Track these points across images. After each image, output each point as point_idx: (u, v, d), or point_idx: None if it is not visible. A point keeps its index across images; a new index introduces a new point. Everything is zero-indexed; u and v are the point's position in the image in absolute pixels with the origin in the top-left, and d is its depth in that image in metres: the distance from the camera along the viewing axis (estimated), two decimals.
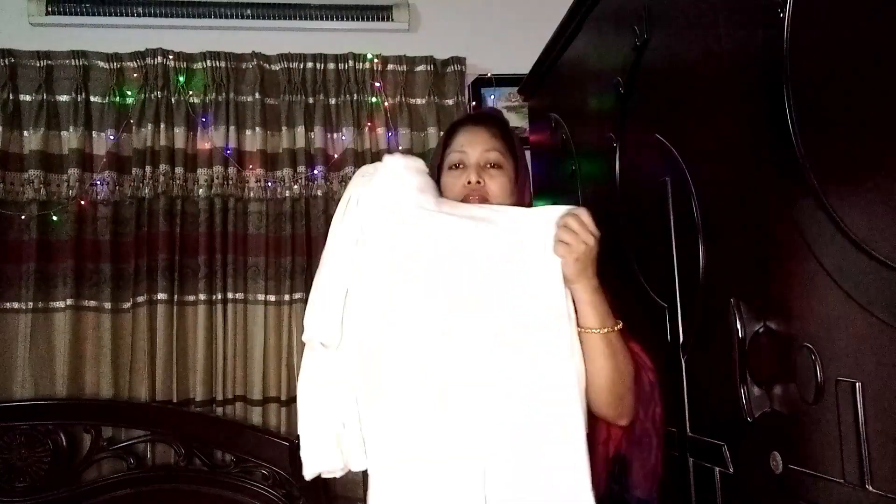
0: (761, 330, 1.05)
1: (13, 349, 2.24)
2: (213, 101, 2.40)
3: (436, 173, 1.29)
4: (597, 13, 1.75)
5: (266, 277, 2.34)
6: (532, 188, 1.35)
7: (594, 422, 1.15)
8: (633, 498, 1.21)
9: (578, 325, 1.10)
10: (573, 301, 1.11)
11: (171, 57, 2.39)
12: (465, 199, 1.21)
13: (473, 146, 1.24)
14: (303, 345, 1.14)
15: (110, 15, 2.46)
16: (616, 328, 1.11)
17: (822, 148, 0.91)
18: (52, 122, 2.35)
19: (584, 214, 1.10)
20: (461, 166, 1.24)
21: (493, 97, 2.63)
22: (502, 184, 1.23)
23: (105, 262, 2.30)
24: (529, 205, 1.29)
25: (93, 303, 2.29)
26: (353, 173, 2.35)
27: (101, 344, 2.28)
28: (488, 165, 1.23)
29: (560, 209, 1.12)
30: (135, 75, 2.40)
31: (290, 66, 2.45)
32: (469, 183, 1.21)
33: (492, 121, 1.31)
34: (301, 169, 2.40)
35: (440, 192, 1.24)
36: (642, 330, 1.48)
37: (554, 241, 1.09)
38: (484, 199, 1.21)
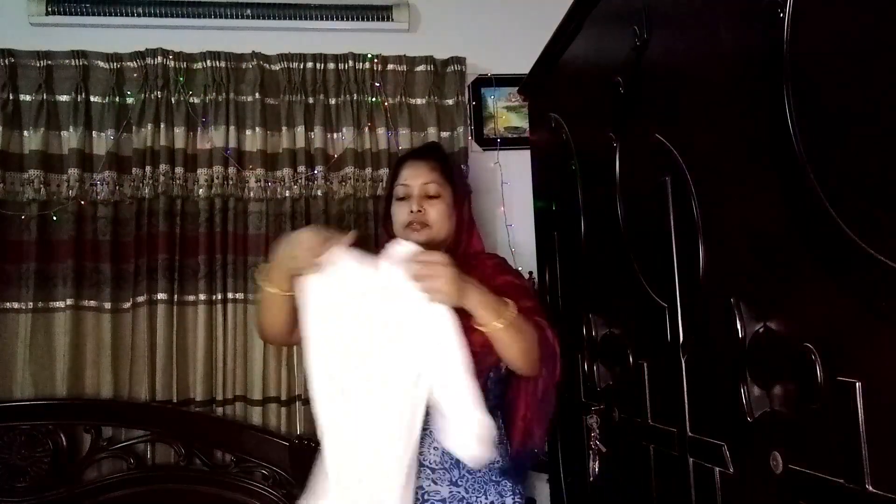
0: (761, 330, 1.05)
1: (13, 349, 2.24)
2: (213, 101, 2.40)
3: (385, 203, 1.59)
4: (597, 13, 1.75)
5: None
6: (470, 203, 1.63)
7: (516, 386, 1.48)
8: (525, 452, 1.45)
9: (480, 325, 1.27)
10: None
11: (171, 57, 2.39)
12: (408, 225, 1.49)
13: (415, 179, 1.52)
14: None
15: (110, 15, 2.45)
16: (513, 312, 1.28)
17: (822, 148, 0.91)
18: (52, 122, 2.35)
19: (423, 255, 1.25)
20: (406, 197, 1.51)
21: (493, 97, 2.62)
22: (440, 210, 1.51)
23: (105, 262, 2.30)
24: (469, 221, 1.60)
25: (93, 303, 2.29)
26: (353, 173, 2.38)
27: (101, 344, 2.28)
28: (427, 196, 1.51)
29: (398, 272, 1.25)
30: (135, 75, 2.40)
31: (290, 66, 2.45)
32: (412, 212, 1.49)
33: (431, 154, 1.60)
34: (301, 169, 2.40)
35: (390, 219, 1.56)
36: (642, 330, 1.49)
37: (417, 294, 1.24)
38: (424, 225, 1.49)
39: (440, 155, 1.61)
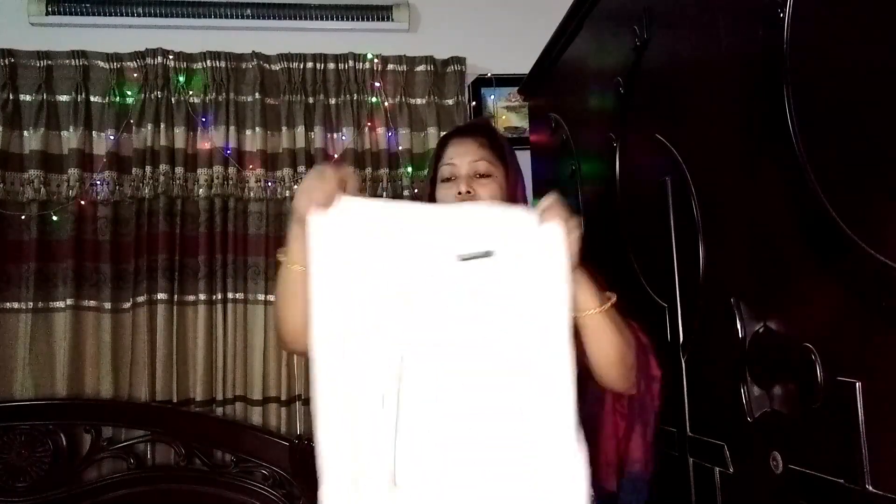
0: (761, 330, 1.05)
1: (13, 349, 2.24)
2: (213, 101, 2.40)
3: (429, 187, 1.35)
4: (597, 13, 1.75)
5: (266, 277, 2.34)
6: (528, 189, 1.36)
7: (600, 399, 1.20)
8: (627, 475, 1.22)
9: (577, 311, 1.05)
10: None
11: (171, 57, 2.39)
12: None
13: (462, 157, 1.29)
14: None
15: (110, 15, 2.45)
16: (612, 301, 1.09)
17: (822, 148, 0.91)
18: (52, 122, 2.35)
19: (554, 201, 1.06)
20: (452, 178, 1.29)
21: (493, 97, 2.62)
22: (492, 191, 1.27)
23: (105, 262, 2.29)
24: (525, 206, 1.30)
25: (93, 303, 2.29)
26: (353, 173, 2.37)
27: (101, 344, 2.27)
28: (477, 175, 1.28)
29: (530, 211, 1.05)
30: (135, 75, 2.40)
31: (290, 66, 2.45)
32: (460, 193, 1.26)
33: (480, 130, 1.36)
34: (301, 169, 2.40)
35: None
36: (642, 330, 1.49)
37: (555, 238, 1.02)
38: None
39: (490, 130, 1.40)
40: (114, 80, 2.38)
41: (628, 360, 1.10)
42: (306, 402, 2.25)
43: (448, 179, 1.29)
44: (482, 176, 1.28)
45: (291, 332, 1.11)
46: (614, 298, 1.09)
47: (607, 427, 1.24)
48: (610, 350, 1.08)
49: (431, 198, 1.34)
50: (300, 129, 2.42)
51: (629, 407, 1.22)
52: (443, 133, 1.37)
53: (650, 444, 1.23)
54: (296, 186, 2.39)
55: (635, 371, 1.13)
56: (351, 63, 2.47)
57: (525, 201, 1.35)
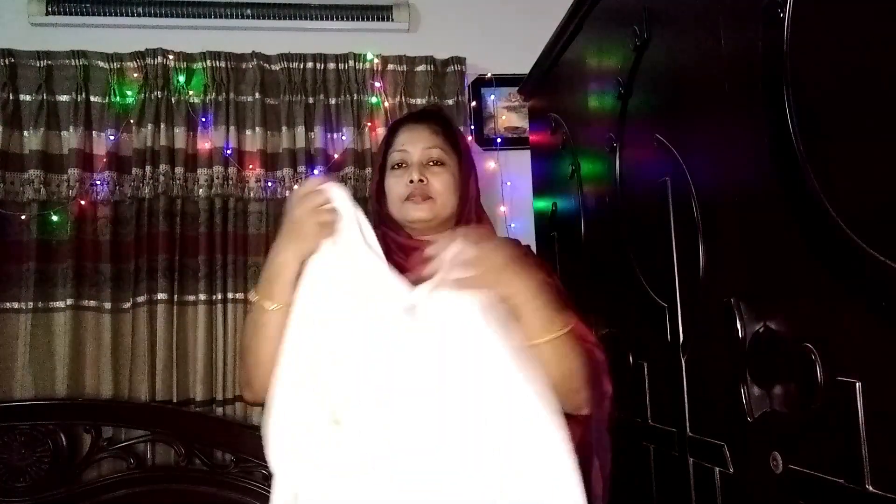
0: (761, 330, 1.05)
1: (13, 349, 2.24)
2: (213, 101, 2.40)
3: (377, 175, 1.30)
4: (597, 13, 1.75)
5: None
6: (478, 182, 1.33)
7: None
8: None
9: (528, 339, 0.98)
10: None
11: (171, 57, 2.39)
12: (408, 198, 1.21)
13: (415, 144, 1.24)
14: None
15: (110, 15, 2.45)
16: (566, 329, 1.00)
17: (822, 148, 0.91)
18: (52, 122, 2.34)
19: (463, 241, 0.97)
20: (403, 165, 1.24)
21: (493, 97, 2.62)
22: (445, 181, 1.23)
23: (105, 262, 2.29)
24: (476, 198, 1.30)
25: (93, 303, 2.29)
26: (353, 173, 2.38)
27: (101, 344, 2.27)
28: (430, 163, 1.23)
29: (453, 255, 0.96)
30: (135, 75, 2.40)
31: (291, 66, 2.45)
32: (412, 182, 1.21)
33: (433, 117, 1.31)
34: (301, 169, 2.40)
35: (384, 194, 1.25)
36: (642, 330, 1.49)
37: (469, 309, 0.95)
38: (427, 197, 1.21)
39: (443, 118, 1.34)
40: (114, 80, 2.38)
41: (572, 384, 1.03)
42: None
43: (399, 166, 1.24)
44: (435, 164, 1.23)
45: (265, 376, 1.02)
46: (570, 327, 1.01)
47: None
48: (557, 379, 0.98)
49: (380, 186, 1.29)
50: (300, 129, 2.42)
51: (582, 444, 1.08)
52: (391, 122, 1.33)
53: (608, 479, 1.15)
54: (296, 186, 2.38)
55: (585, 392, 1.05)
56: (351, 63, 2.46)
57: (477, 193, 1.31)
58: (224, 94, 2.41)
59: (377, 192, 1.31)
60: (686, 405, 1.30)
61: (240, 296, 2.33)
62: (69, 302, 2.25)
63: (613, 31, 1.65)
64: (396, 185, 1.23)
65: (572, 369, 1.02)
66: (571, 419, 1.02)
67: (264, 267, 1.08)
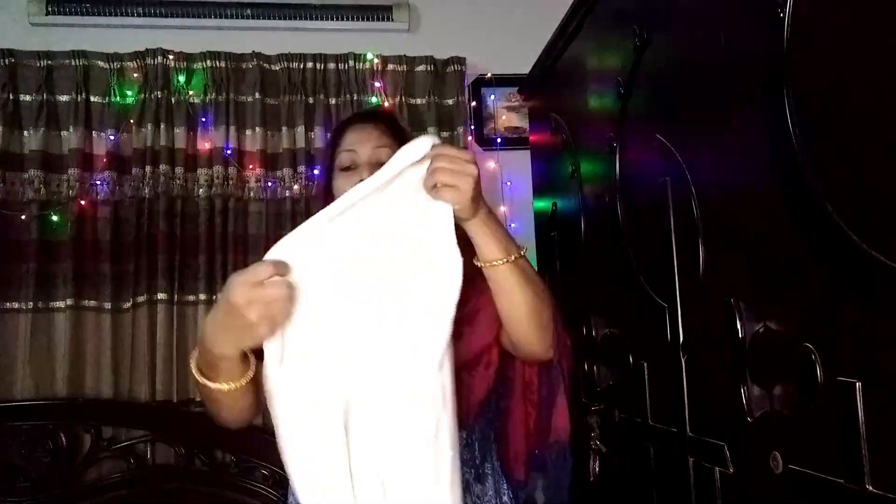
0: (761, 330, 1.05)
1: (13, 349, 2.24)
2: (213, 101, 2.40)
3: (325, 177, 1.27)
4: (597, 13, 1.75)
5: None
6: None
7: (510, 390, 1.18)
8: (551, 447, 1.17)
9: (482, 261, 1.00)
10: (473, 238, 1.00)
11: (171, 57, 2.39)
12: None
13: (363, 144, 1.21)
14: None
15: (110, 15, 2.45)
16: (523, 252, 1.03)
17: (823, 148, 0.91)
18: (52, 122, 2.34)
19: (447, 148, 0.97)
20: (353, 167, 1.21)
21: (493, 97, 2.62)
22: None
23: (105, 262, 2.29)
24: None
25: (93, 303, 2.29)
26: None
27: (101, 344, 2.27)
28: (380, 163, 1.14)
29: (416, 152, 0.96)
30: (135, 75, 2.40)
31: (291, 66, 2.45)
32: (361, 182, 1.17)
33: (381, 117, 1.30)
34: (301, 169, 2.40)
35: (332, 197, 1.19)
36: (642, 330, 1.49)
37: (429, 187, 0.95)
38: None
39: (392, 117, 1.35)
40: (114, 80, 2.38)
41: (543, 317, 1.05)
42: None
43: (348, 168, 1.21)
44: (384, 164, 1.20)
45: (237, 424, 1.16)
46: (524, 250, 1.03)
47: (515, 417, 1.19)
48: (521, 304, 1.02)
49: (328, 189, 1.25)
50: (300, 129, 2.42)
51: (549, 377, 1.15)
52: (338, 123, 1.28)
53: (568, 408, 1.18)
54: (296, 187, 2.39)
55: (552, 333, 1.07)
56: (351, 63, 2.46)
57: None
58: (224, 94, 2.41)
59: (324, 195, 1.27)
60: (686, 405, 1.30)
61: None
62: (69, 302, 2.25)
63: (613, 31, 1.65)
64: (345, 187, 1.14)
65: (541, 296, 1.04)
66: (543, 363, 1.11)
67: (200, 342, 0.99)
